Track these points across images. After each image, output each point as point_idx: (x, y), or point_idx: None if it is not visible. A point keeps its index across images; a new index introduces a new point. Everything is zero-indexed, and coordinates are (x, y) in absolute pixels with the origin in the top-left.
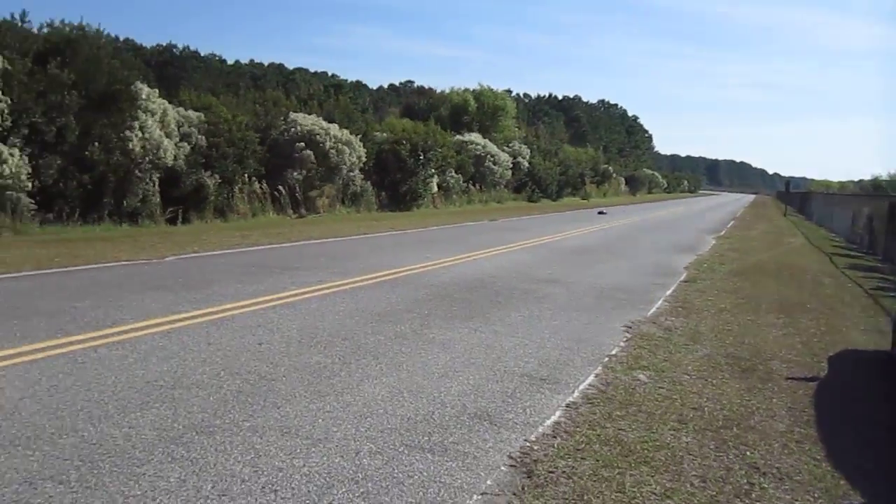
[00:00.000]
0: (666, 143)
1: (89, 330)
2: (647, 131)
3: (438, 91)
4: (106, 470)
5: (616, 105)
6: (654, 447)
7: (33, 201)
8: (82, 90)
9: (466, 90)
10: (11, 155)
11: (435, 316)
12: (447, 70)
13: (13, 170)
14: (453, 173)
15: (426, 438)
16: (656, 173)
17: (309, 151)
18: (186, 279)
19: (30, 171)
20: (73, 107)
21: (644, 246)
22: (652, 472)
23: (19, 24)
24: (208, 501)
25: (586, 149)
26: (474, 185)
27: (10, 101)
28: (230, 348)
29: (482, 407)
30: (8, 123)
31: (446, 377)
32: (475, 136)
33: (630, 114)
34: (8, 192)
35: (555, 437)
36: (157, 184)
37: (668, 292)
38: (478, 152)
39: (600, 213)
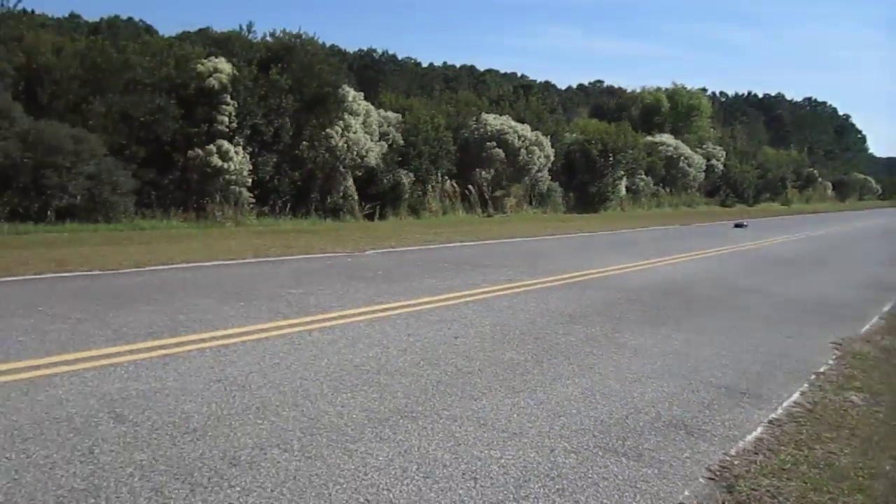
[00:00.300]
0: (883, 144)
1: (302, 315)
2: (859, 132)
3: (629, 90)
4: (323, 443)
5: (824, 103)
6: (870, 475)
7: (252, 195)
8: (297, 94)
9: (659, 89)
10: (236, 153)
11: (626, 320)
12: (638, 69)
13: (237, 166)
14: (643, 175)
15: (620, 442)
16: (869, 178)
17: (499, 150)
18: (386, 272)
19: (250, 167)
20: (288, 109)
21: (855, 257)
22: (869, 501)
23: (246, 34)
24: (414, 482)
25: (788, 151)
26: (664, 188)
27: (236, 105)
28: (428, 340)
29: (677, 416)
30: (234, 125)
31: (639, 383)
32: (667, 138)
33: (840, 112)
34: (232, 187)
35: (757, 453)
36: (355, 181)
37: (886, 309)
38: (669, 154)
39: (738, 225)
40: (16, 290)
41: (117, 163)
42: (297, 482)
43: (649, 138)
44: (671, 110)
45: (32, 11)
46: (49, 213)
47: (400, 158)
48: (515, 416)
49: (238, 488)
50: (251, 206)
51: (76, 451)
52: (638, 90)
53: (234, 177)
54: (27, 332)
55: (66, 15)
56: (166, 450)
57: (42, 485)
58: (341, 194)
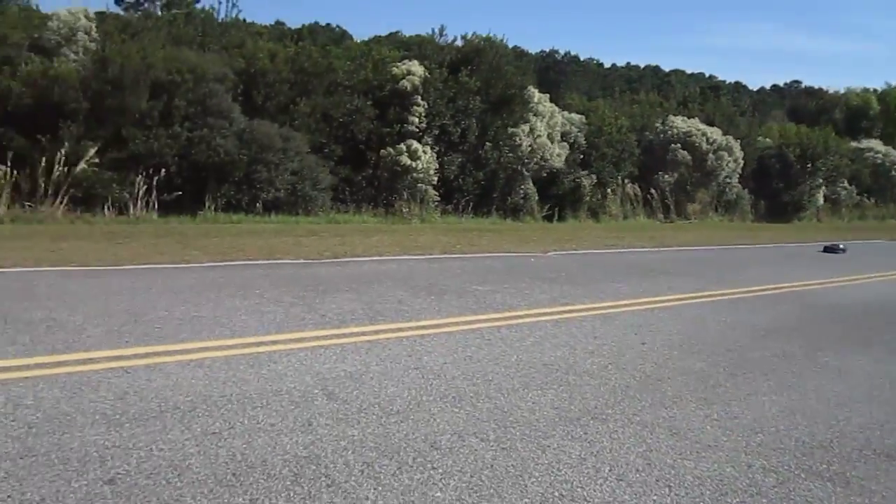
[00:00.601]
0: None
1: (490, 311)
2: None
3: (831, 91)
4: (517, 436)
5: None
6: None
7: (437, 194)
8: (484, 95)
9: (867, 90)
10: (424, 152)
11: (826, 338)
12: (843, 68)
13: (425, 165)
14: (845, 184)
15: (825, 467)
16: None
17: (684, 152)
18: (569, 274)
19: (437, 167)
20: (475, 110)
21: None
22: None
23: (437, 37)
24: (607, 482)
25: None
26: (869, 198)
27: (426, 106)
28: (614, 344)
29: (891, 445)
30: (423, 125)
31: (844, 407)
32: (875, 143)
33: None
34: (419, 185)
35: None
36: (536, 182)
37: None
38: (878, 161)
39: (830, 249)
40: (235, 274)
41: (318, 160)
42: (494, 471)
43: (854, 144)
44: (882, 113)
45: (244, 20)
46: (258, 205)
47: (581, 159)
48: (709, 427)
49: (440, 471)
50: (436, 203)
51: (297, 422)
52: (842, 91)
53: (421, 175)
54: (249, 312)
55: (273, 22)
56: (374, 428)
57: (270, 449)
58: (522, 195)
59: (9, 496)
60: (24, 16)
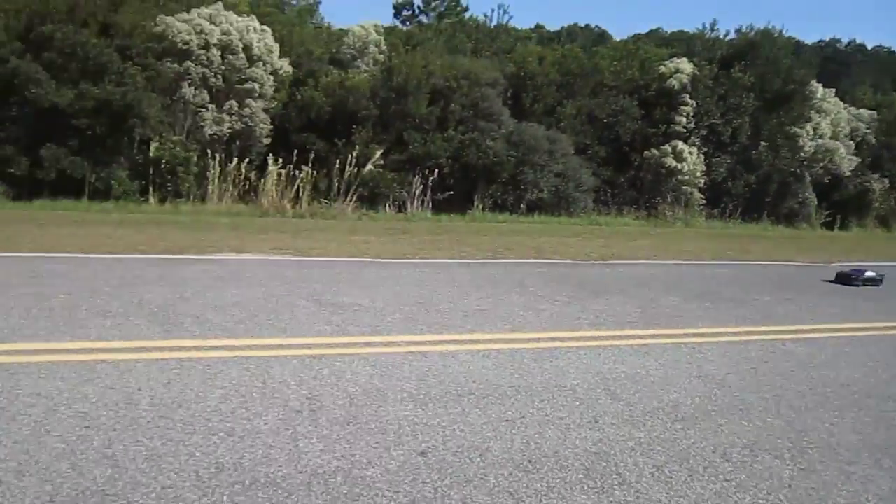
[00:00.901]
0: None
1: (771, 323)
2: None
3: None
4: (815, 458)
5: None
6: None
7: (703, 197)
8: (758, 92)
9: None
10: (690, 153)
11: None
12: None
13: (691, 167)
14: None
15: None
16: None
17: None
18: (859, 287)
19: (703, 168)
20: (748, 108)
21: None
22: None
23: (708, 32)
24: None
25: None
26: None
27: (695, 105)
28: None
29: None
30: (691, 125)
31: None
32: None
33: None
34: (684, 188)
35: None
36: (815, 186)
37: None
38: None
39: (852, 279)
40: (508, 271)
41: (581, 161)
42: (792, 491)
43: None
44: None
45: (511, 26)
46: (522, 205)
47: (871, 160)
48: None
49: (734, 483)
50: (701, 207)
51: (583, 418)
52: None
53: (686, 177)
54: (526, 309)
55: (533, 26)
56: (660, 432)
57: (561, 442)
58: (799, 200)
59: (342, 455)
60: (317, 33)
